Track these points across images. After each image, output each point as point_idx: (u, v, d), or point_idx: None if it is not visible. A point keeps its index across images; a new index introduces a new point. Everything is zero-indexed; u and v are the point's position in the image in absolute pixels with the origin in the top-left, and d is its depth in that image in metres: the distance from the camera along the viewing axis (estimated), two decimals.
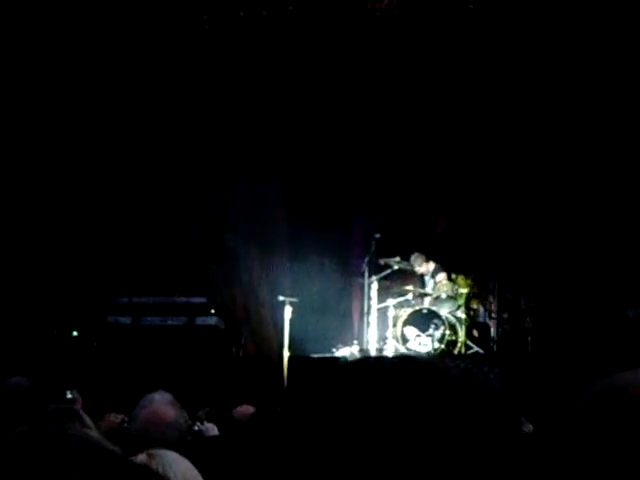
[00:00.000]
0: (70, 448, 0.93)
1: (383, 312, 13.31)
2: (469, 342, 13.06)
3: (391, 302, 13.28)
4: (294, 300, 13.10)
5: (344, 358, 12.23)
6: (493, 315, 13.31)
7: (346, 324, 14.36)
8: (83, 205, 13.85)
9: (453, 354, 12.77)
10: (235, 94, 13.92)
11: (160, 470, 2.88)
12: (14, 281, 13.11)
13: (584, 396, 1.20)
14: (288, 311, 12.91)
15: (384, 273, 13.37)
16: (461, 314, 13.09)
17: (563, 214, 13.49)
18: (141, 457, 2.97)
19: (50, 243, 13.53)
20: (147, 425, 3.97)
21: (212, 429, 5.78)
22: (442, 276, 13.42)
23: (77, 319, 13.19)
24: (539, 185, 13.66)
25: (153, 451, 3.04)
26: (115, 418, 4.53)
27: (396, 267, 13.38)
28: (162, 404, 4.06)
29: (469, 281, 13.40)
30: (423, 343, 12.98)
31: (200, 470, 3.09)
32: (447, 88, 13.66)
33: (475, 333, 13.31)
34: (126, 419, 4.43)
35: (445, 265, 13.58)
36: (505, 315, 13.32)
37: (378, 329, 13.32)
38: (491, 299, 13.42)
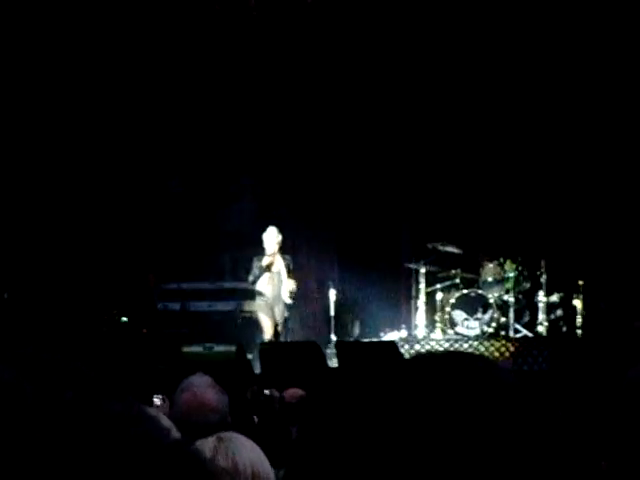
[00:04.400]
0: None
1: (431, 296, 13.28)
2: (517, 325, 13.00)
3: (439, 286, 13.25)
4: (341, 285, 13.15)
5: (393, 342, 12.21)
6: (542, 298, 13.22)
7: (394, 308, 14.34)
8: (134, 192, 13.95)
9: (501, 337, 12.72)
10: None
11: (229, 455, 2.89)
12: (65, 268, 13.23)
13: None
14: (333, 294, 12.97)
15: (432, 257, 13.35)
16: (509, 297, 13.03)
17: (611, 196, 13.40)
18: (211, 441, 3.00)
19: (100, 230, 13.64)
20: (188, 409, 3.97)
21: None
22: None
23: (126, 305, 13.29)
24: (585, 166, 13.59)
25: (223, 435, 3.06)
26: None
27: (444, 251, 13.35)
28: (202, 387, 4.06)
29: (517, 264, 13.32)
30: (471, 327, 12.94)
31: None
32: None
33: (523, 316, 13.24)
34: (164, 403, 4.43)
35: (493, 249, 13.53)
36: (554, 298, 13.23)
37: (426, 313, 13.30)
38: (539, 282, 13.32)
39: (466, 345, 12.30)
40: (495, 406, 0.94)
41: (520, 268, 13.24)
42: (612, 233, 13.38)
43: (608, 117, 13.46)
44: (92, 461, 0.86)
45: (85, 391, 0.93)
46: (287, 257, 12.87)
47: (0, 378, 0.91)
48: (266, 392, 7.16)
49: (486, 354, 11.99)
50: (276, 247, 12.72)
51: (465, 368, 0.99)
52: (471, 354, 1.03)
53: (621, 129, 13.40)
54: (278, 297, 12.72)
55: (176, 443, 0.91)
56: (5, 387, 0.90)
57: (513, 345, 12.33)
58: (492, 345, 12.42)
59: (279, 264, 12.76)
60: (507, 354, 12.21)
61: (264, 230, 12.84)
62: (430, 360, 1.02)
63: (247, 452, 2.95)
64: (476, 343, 12.44)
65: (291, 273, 12.84)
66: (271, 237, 12.73)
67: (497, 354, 12.16)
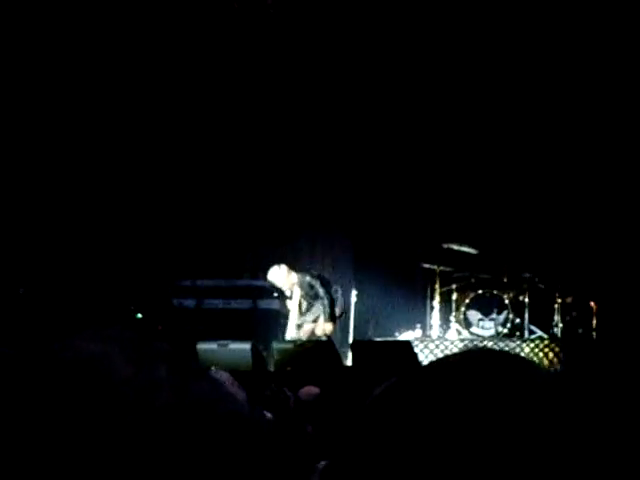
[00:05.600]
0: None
1: (446, 296, 13.27)
2: (532, 326, 12.98)
3: (454, 286, 13.24)
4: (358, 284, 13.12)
5: (408, 341, 12.20)
6: (557, 299, 13.20)
7: (409, 308, 14.33)
8: (150, 189, 13.98)
9: (516, 338, 12.70)
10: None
11: None
12: (81, 265, 13.27)
13: None
14: (353, 295, 12.94)
15: (447, 257, 13.34)
16: (524, 298, 13.01)
17: (625, 200, 13.39)
18: None
19: (115, 227, 13.67)
20: None
21: (269, 417, 5.80)
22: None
23: (142, 302, 13.32)
24: (599, 173, 13.59)
25: None
26: None
27: (459, 251, 13.34)
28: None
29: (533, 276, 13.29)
30: (486, 327, 12.93)
31: None
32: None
33: (539, 317, 13.21)
34: None
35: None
36: (569, 299, 13.20)
37: (441, 313, 13.29)
38: (555, 283, 13.29)
39: (481, 345, 12.27)
40: (532, 406, 0.93)
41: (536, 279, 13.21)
42: (627, 239, 13.36)
43: (622, 143, 13.45)
44: (188, 438, 0.86)
45: (176, 368, 0.93)
46: (306, 278, 12.09)
47: (90, 351, 0.90)
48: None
49: None
50: (289, 284, 12.05)
51: (498, 368, 0.99)
52: (505, 353, 1.03)
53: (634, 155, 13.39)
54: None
55: (261, 421, 0.92)
56: (96, 360, 0.88)
57: (528, 346, 12.31)
58: (507, 346, 12.39)
59: (297, 297, 12.04)
60: (522, 355, 12.19)
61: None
62: (464, 359, 1.02)
63: None
64: (491, 344, 12.41)
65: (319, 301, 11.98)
66: (278, 279, 12.09)
67: None
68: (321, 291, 12.07)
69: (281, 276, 12.09)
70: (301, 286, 12.12)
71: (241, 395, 4.06)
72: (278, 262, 12.56)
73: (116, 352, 0.92)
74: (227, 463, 0.86)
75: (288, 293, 12.17)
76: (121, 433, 0.86)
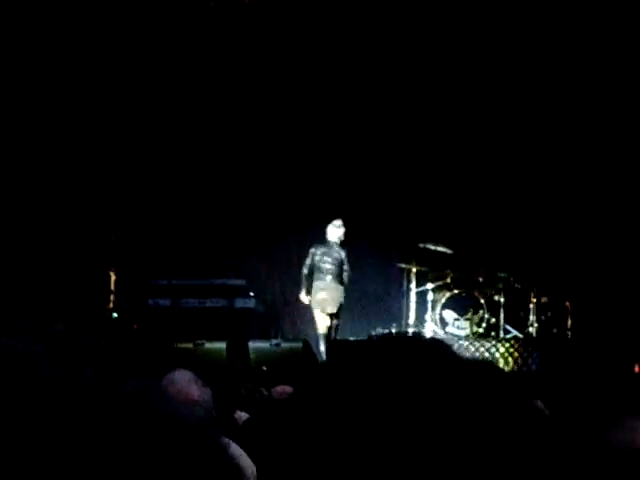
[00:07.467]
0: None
1: (422, 296, 13.29)
2: (508, 326, 13.02)
3: (430, 286, 13.26)
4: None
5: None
6: (533, 299, 13.24)
7: (385, 308, 14.34)
8: (126, 190, 13.95)
9: (491, 338, 12.73)
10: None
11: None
12: (56, 264, 13.21)
13: None
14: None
15: (423, 256, 13.36)
16: (500, 298, 13.04)
17: (601, 202, 13.45)
18: None
19: (90, 227, 13.63)
20: None
21: (244, 416, 5.78)
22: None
23: (117, 301, 13.27)
24: (575, 170, 13.64)
25: None
26: None
27: (435, 251, 13.36)
28: (185, 382, 4.06)
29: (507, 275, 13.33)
30: (462, 327, 12.96)
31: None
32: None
33: (514, 317, 13.25)
34: None
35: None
36: (545, 299, 13.24)
37: (417, 313, 13.31)
38: (531, 282, 13.33)
39: (456, 345, 12.30)
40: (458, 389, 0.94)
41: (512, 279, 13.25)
42: (602, 239, 13.42)
43: (598, 147, 13.51)
44: (112, 441, 0.83)
45: (104, 368, 0.90)
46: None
47: (12, 350, 0.85)
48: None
49: (476, 354, 12.00)
50: None
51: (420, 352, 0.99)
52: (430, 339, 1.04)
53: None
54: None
55: (199, 425, 0.89)
56: (19, 360, 0.84)
57: (503, 346, 12.34)
58: (482, 345, 12.42)
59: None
60: (497, 355, 12.23)
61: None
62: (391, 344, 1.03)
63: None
64: (466, 343, 12.44)
65: None
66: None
67: (487, 354, 12.17)
68: None
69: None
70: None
71: (206, 392, 4.06)
72: (254, 262, 12.64)
73: (42, 352, 0.88)
74: (155, 467, 0.83)
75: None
76: (42, 442, 0.83)
